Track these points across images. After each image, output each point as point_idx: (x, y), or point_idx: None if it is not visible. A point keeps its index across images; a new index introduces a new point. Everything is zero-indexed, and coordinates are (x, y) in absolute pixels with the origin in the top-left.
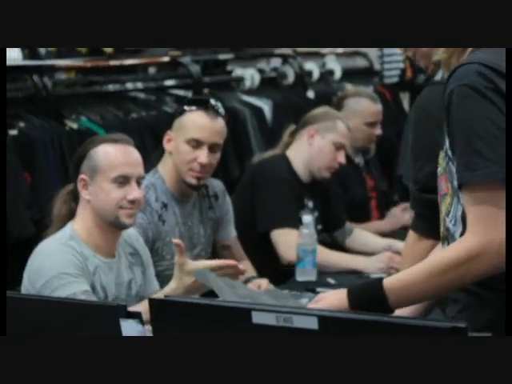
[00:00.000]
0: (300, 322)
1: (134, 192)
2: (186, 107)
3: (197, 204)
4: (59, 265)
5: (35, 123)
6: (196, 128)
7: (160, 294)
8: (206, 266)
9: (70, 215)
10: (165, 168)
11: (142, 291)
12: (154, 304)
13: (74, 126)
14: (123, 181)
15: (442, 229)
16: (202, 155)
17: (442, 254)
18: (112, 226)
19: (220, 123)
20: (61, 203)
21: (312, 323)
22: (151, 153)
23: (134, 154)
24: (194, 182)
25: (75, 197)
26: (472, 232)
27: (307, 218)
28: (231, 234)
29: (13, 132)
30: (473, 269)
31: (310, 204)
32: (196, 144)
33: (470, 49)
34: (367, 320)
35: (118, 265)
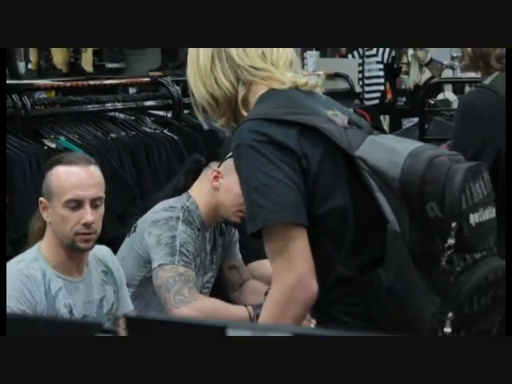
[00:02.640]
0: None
1: (86, 216)
2: None
3: (212, 231)
4: (8, 295)
5: (14, 143)
6: None
7: None
8: None
9: (41, 233)
10: (201, 197)
11: (115, 310)
12: (130, 321)
13: (53, 145)
14: (76, 204)
15: None
16: None
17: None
18: (71, 249)
19: None
20: (35, 221)
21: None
22: (174, 173)
23: (90, 175)
24: (238, 221)
25: None
26: (273, 280)
27: None
28: (238, 254)
29: None
30: (292, 309)
31: None
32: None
33: None
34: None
35: (88, 283)
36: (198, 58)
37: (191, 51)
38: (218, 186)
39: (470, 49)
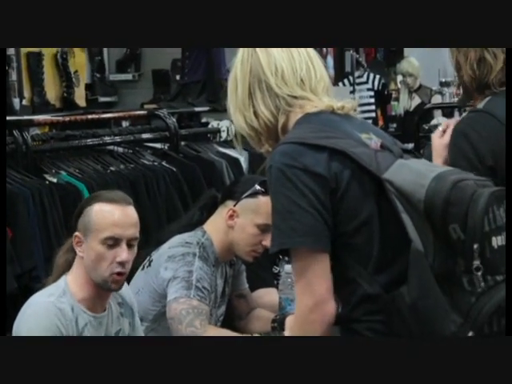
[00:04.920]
0: None
1: (123, 254)
2: (258, 188)
3: (223, 264)
4: (42, 327)
5: (16, 178)
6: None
7: None
8: None
9: (67, 266)
10: (216, 234)
11: None
12: None
13: (54, 180)
14: (113, 242)
15: None
16: (269, 240)
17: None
18: (100, 286)
19: None
20: (62, 252)
21: None
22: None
23: (129, 215)
24: (251, 260)
25: (74, 249)
26: (296, 301)
27: (289, 268)
28: (245, 283)
29: None
30: (310, 330)
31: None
32: (266, 228)
33: None
34: None
35: (109, 317)
36: (237, 91)
37: (230, 82)
38: (232, 225)
39: (467, 83)
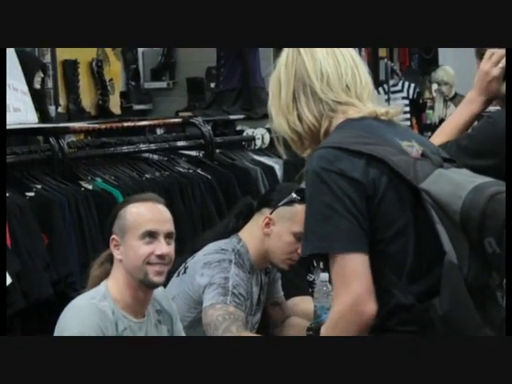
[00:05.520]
0: None
1: (162, 247)
2: (295, 197)
3: (259, 272)
4: (84, 326)
5: (52, 185)
6: None
7: None
8: None
9: (104, 276)
10: (252, 242)
11: None
12: None
13: (90, 187)
14: (151, 237)
15: None
16: None
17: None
18: (142, 285)
19: None
20: (97, 265)
21: None
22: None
23: (163, 211)
24: (287, 268)
25: (111, 259)
26: (333, 303)
27: (324, 276)
28: (280, 291)
29: (30, 193)
30: (346, 329)
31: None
32: (302, 237)
33: None
34: None
35: (148, 324)
36: (280, 94)
37: (273, 86)
38: (269, 233)
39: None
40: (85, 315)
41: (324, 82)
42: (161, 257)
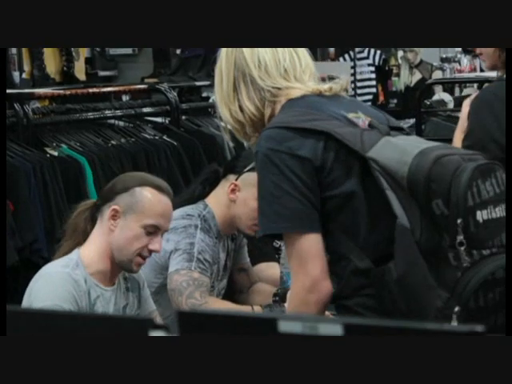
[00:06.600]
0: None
1: (157, 244)
2: None
3: (225, 238)
4: (57, 295)
5: (17, 151)
6: None
7: None
8: None
9: (84, 235)
10: (218, 208)
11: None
12: (182, 316)
13: (55, 153)
14: (153, 230)
15: None
16: None
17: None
18: (119, 265)
19: None
20: (80, 217)
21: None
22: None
23: (170, 208)
24: (253, 234)
25: (93, 218)
26: (291, 283)
27: None
28: (247, 257)
29: None
30: (307, 310)
31: None
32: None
33: None
34: (390, 326)
35: (117, 292)
36: (222, 84)
37: (217, 75)
38: (234, 199)
39: (496, 55)
40: (58, 284)
41: (262, 69)
42: (152, 252)
